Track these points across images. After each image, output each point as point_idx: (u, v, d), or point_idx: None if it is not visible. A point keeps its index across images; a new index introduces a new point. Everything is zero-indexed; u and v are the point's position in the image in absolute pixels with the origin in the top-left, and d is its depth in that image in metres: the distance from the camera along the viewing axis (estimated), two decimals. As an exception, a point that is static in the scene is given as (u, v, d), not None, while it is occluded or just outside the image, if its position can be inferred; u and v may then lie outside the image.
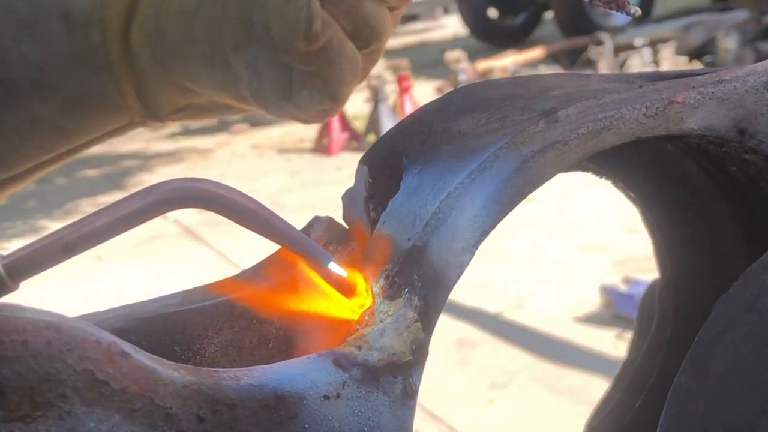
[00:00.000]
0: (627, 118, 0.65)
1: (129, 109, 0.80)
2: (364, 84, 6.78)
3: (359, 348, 0.65)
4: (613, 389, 0.91)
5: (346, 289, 0.71)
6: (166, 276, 4.72)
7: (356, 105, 7.55)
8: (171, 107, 0.81)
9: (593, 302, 3.57)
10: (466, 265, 0.66)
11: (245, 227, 0.69)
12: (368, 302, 0.69)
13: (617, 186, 0.86)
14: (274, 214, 0.69)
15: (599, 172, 0.84)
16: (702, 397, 0.58)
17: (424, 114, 0.78)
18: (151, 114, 0.81)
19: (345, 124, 6.95)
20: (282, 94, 0.74)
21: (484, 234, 0.65)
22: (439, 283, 0.65)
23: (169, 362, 0.62)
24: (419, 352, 0.65)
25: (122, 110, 0.80)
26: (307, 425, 0.63)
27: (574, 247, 4.24)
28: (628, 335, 3.56)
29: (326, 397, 0.63)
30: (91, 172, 7.45)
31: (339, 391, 0.63)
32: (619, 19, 9.28)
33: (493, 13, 10.78)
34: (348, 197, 0.81)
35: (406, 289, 0.65)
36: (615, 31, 8.69)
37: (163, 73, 0.78)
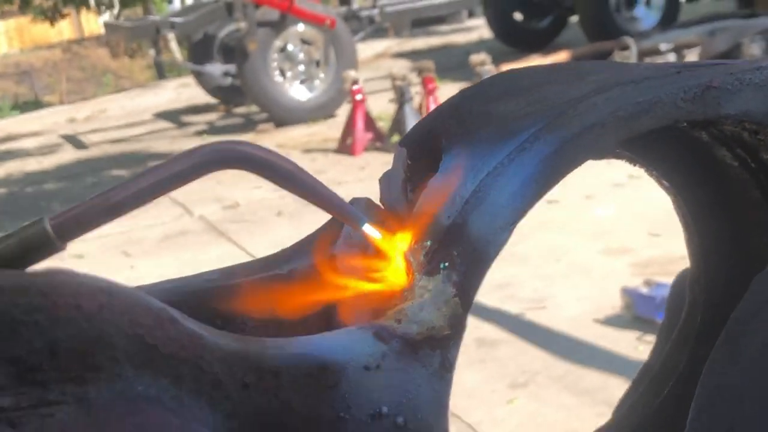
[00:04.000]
0: (665, 102, 0.67)
1: None
2: (389, 84, 6.73)
3: (399, 321, 0.66)
4: (641, 376, 0.92)
5: (382, 255, 0.72)
6: (192, 272, 4.73)
7: (381, 105, 7.55)
8: None
9: (614, 304, 3.56)
10: (505, 243, 0.67)
11: (285, 188, 0.69)
12: (407, 278, 0.70)
13: (651, 174, 0.87)
14: (313, 177, 0.71)
15: (634, 159, 0.85)
16: (738, 371, 0.59)
17: (462, 99, 0.79)
18: None
19: (369, 124, 6.95)
20: None
21: (523, 212, 0.67)
22: (477, 259, 0.67)
23: (216, 330, 0.63)
24: (457, 326, 0.66)
25: None
26: (347, 395, 0.64)
27: (596, 249, 4.22)
28: (649, 338, 3.55)
29: (366, 368, 0.65)
30: (120, 172, 7.50)
31: (379, 362, 0.65)
32: (644, 23, 9.24)
33: (518, 16, 10.75)
34: (386, 179, 0.82)
35: (445, 266, 0.67)
36: (640, 35, 8.64)
37: None
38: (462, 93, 0.81)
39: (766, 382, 0.58)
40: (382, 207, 0.81)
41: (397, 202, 0.80)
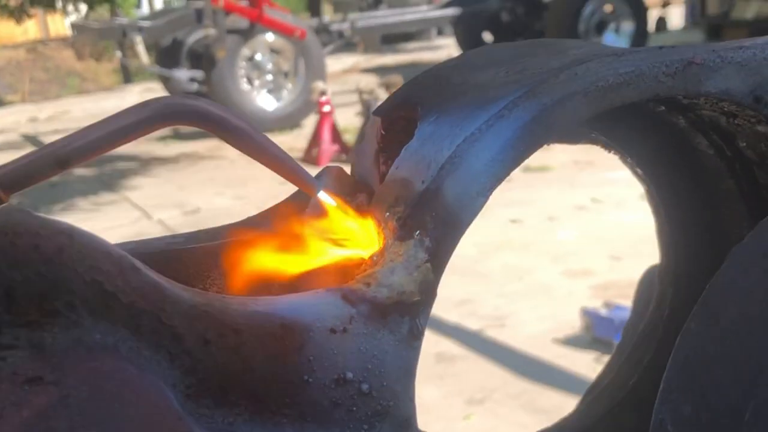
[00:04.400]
0: (646, 75, 0.66)
1: None
2: (356, 98, 6.73)
3: (368, 285, 0.65)
4: (608, 368, 0.91)
5: (351, 220, 0.70)
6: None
7: (348, 118, 7.55)
8: None
9: (574, 325, 3.57)
10: (480, 209, 0.65)
11: (238, 149, 0.67)
12: (378, 245, 0.69)
13: (625, 162, 0.86)
14: (268, 139, 0.68)
15: (609, 144, 0.85)
16: (711, 341, 0.58)
17: (440, 69, 0.78)
18: None
19: (335, 136, 6.95)
20: None
21: (500, 179, 0.65)
22: (452, 225, 0.65)
23: (178, 284, 0.61)
24: (428, 293, 0.65)
25: None
26: (311, 357, 0.62)
27: (558, 271, 4.25)
28: (606, 359, 3.56)
29: (333, 331, 0.63)
30: (84, 172, 7.41)
31: (346, 325, 0.63)
32: (611, 52, 9.35)
33: (488, 37, 10.84)
34: (358, 151, 0.81)
35: (418, 231, 0.65)
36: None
37: None
38: (439, 65, 0.80)
39: (740, 349, 0.57)
40: (353, 177, 0.80)
41: (369, 173, 0.78)
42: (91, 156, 0.64)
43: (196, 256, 0.76)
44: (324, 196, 0.70)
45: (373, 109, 4.39)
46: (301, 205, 0.79)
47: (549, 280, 4.13)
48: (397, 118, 0.77)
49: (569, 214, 5.08)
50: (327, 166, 0.79)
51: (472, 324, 3.71)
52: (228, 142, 0.66)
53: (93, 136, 0.64)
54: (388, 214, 0.68)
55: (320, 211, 0.74)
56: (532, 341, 3.49)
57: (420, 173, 0.67)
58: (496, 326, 3.69)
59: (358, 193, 0.78)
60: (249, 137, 0.67)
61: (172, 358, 0.59)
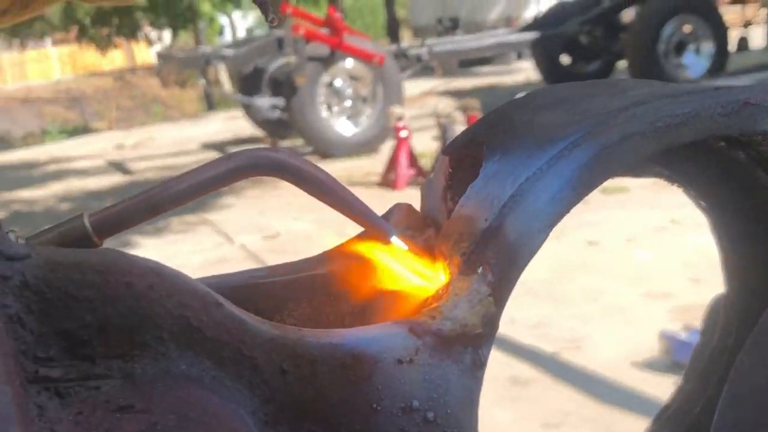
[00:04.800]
0: (703, 116, 0.68)
1: None
2: (433, 122, 6.77)
3: (433, 318, 0.68)
4: (677, 393, 0.93)
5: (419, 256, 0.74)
6: (228, 297, 4.78)
7: (425, 142, 7.60)
8: None
9: (652, 348, 3.53)
10: (540, 245, 0.69)
11: (316, 198, 0.72)
12: (443, 279, 0.72)
13: (689, 194, 0.88)
14: (345, 188, 0.73)
15: (672, 178, 0.87)
16: (763, 376, 0.60)
17: (506, 109, 0.81)
18: None
19: (412, 160, 7.01)
20: None
21: (560, 216, 0.69)
22: (513, 260, 0.68)
23: (257, 317, 0.66)
24: (490, 325, 0.68)
25: None
26: (380, 386, 0.66)
27: (636, 293, 4.20)
28: (687, 384, 3.51)
29: (400, 362, 0.66)
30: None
31: (412, 356, 0.67)
32: (693, 71, 9.23)
33: (566, 59, 10.80)
34: (427, 187, 0.85)
35: (481, 267, 0.69)
36: (688, 82, 8.67)
37: None
38: (506, 104, 0.83)
39: (792, 384, 0.59)
40: (421, 213, 0.84)
41: (436, 210, 0.82)
42: (180, 203, 0.70)
43: (273, 289, 0.80)
44: (397, 241, 0.74)
45: (449, 133, 4.45)
46: (373, 240, 0.83)
47: (626, 302, 4.09)
48: (465, 156, 0.80)
49: (648, 235, 5.03)
50: (397, 204, 0.83)
51: (547, 347, 3.70)
52: (307, 192, 0.71)
53: (183, 185, 0.69)
54: (453, 249, 0.72)
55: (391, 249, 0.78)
56: (608, 365, 3.47)
57: (484, 211, 0.71)
58: (571, 349, 3.67)
59: (426, 229, 0.82)
60: (327, 187, 0.71)
61: (252, 387, 0.64)
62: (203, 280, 0.82)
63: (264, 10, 0.80)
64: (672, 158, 0.82)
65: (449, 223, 0.75)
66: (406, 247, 0.75)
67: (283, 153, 0.71)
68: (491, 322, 0.68)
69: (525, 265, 0.69)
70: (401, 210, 0.83)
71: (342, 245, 0.84)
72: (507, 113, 0.80)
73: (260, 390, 0.64)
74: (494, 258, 0.68)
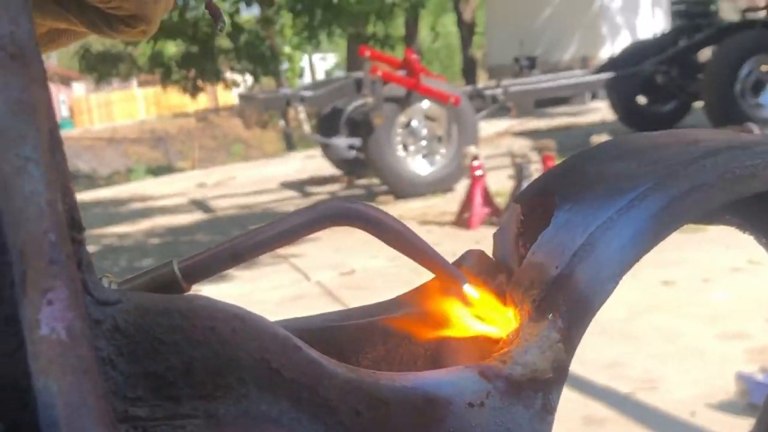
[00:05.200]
0: (772, 167, 0.69)
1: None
2: (508, 162, 6.77)
3: (504, 362, 0.70)
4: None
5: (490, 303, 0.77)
6: (305, 335, 4.85)
7: (500, 181, 7.61)
8: None
9: (728, 390, 3.46)
10: (610, 293, 0.70)
11: (392, 246, 0.75)
12: (514, 325, 0.74)
13: (760, 242, 0.89)
14: (420, 238, 0.76)
15: (743, 226, 0.87)
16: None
17: (577, 159, 0.83)
18: None
19: (487, 199, 7.02)
20: (105, 25, 0.83)
21: (629, 265, 0.70)
22: (583, 308, 0.70)
23: (333, 360, 0.68)
24: (560, 371, 0.70)
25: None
26: (452, 429, 0.68)
27: (711, 333, 4.12)
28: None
29: (471, 405, 0.68)
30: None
31: (483, 400, 0.68)
32: (769, 111, 9.07)
33: (642, 100, 10.71)
34: (499, 234, 0.87)
35: (551, 313, 0.70)
36: (765, 123, 8.51)
37: None
38: (576, 155, 0.85)
39: None
40: (494, 259, 0.86)
41: (508, 256, 0.84)
42: (263, 252, 0.73)
43: (348, 332, 0.83)
44: (469, 290, 0.77)
45: (525, 173, 4.45)
46: (446, 285, 0.85)
47: (702, 342, 4.02)
48: (536, 205, 0.82)
49: (724, 275, 4.94)
50: (469, 250, 0.85)
51: (621, 386, 3.65)
52: (384, 242, 0.74)
53: (266, 234, 0.73)
54: (524, 296, 0.74)
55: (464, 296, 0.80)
56: (684, 406, 3.41)
57: (555, 258, 0.73)
58: (646, 389, 3.61)
59: (498, 274, 0.84)
60: (402, 237, 0.74)
61: (328, 428, 0.66)
62: (282, 323, 0.86)
63: (214, 16, 0.85)
64: (743, 207, 0.82)
65: (521, 269, 0.77)
66: (478, 296, 0.77)
67: (361, 204, 0.75)
68: (561, 367, 0.69)
69: (595, 312, 0.70)
70: (474, 256, 0.85)
71: (415, 290, 0.86)
72: (578, 164, 0.82)
73: (336, 431, 0.66)
74: (564, 305, 0.70)
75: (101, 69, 19.82)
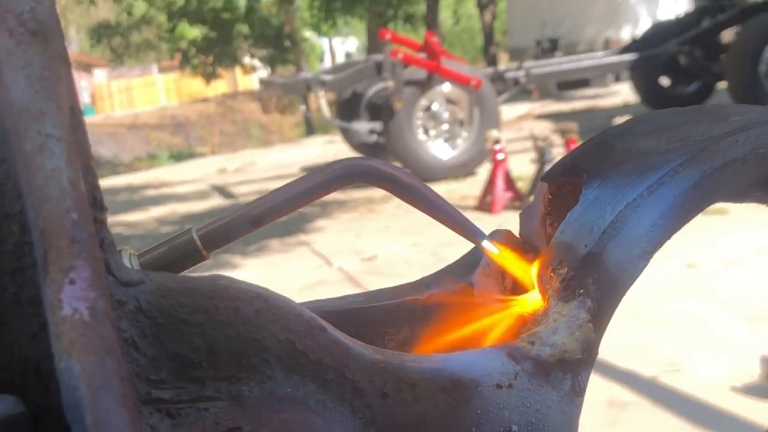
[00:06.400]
0: (807, 141, 0.68)
1: None
2: (530, 145, 6.75)
3: (532, 343, 0.69)
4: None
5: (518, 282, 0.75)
6: (327, 319, 4.86)
7: (522, 165, 7.57)
8: None
9: (753, 373, 3.43)
10: (641, 272, 0.69)
11: (409, 203, 0.74)
12: (542, 305, 0.73)
13: (794, 220, 0.87)
14: (438, 195, 0.74)
15: (776, 204, 0.85)
16: None
17: (606, 136, 0.81)
18: None
19: (509, 183, 6.98)
20: None
21: (660, 243, 0.68)
22: (612, 287, 0.68)
23: (359, 342, 0.67)
24: (589, 351, 0.68)
25: None
26: (479, 411, 0.67)
27: (737, 316, 4.09)
28: (788, 408, 3.39)
29: (499, 386, 0.67)
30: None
31: (511, 381, 0.67)
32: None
33: (665, 81, 10.61)
34: (526, 213, 0.85)
35: (580, 292, 0.69)
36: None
37: None
38: (605, 131, 0.83)
39: None
40: (520, 239, 0.84)
41: (536, 235, 0.82)
42: (282, 215, 0.72)
43: (374, 314, 0.82)
44: (488, 245, 0.75)
45: (547, 156, 4.42)
46: (471, 267, 0.84)
47: (727, 326, 3.99)
48: (564, 183, 0.81)
49: (749, 258, 4.89)
50: (496, 230, 0.84)
51: (645, 370, 3.63)
52: (399, 197, 0.73)
53: (283, 196, 0.72)
54: (552, 275, 0.72)
55: (494, 272, 0.79)
56: (708, 389, 3.38)
57: (583, 237, 0.71)
58: (670, 372, 3.59)
59: (525, 254, 0.82)
60: (419, 192, 0.73)
61: (354, 410, 0.65)
62: (306, 304, 0.85)
63: None
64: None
65: (548, 249, 0.75)
66: (497, 251, 0.76)
67: (375, 161, 0.73)
68: (590, 348, 0.68)
69: (625, 291, 0.68)
70: (500, 235, 0.84)
71: (440, 271, 0.85)
72: (606, 140, 0.80)
73: (362, 413, 0.65)
74: (594, 284, 0.68)
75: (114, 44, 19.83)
